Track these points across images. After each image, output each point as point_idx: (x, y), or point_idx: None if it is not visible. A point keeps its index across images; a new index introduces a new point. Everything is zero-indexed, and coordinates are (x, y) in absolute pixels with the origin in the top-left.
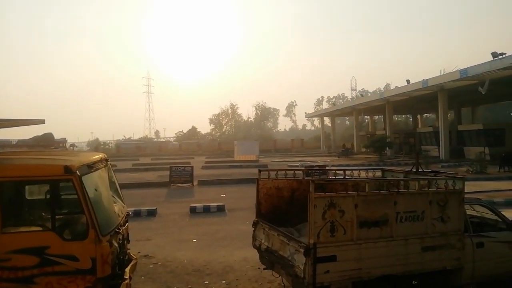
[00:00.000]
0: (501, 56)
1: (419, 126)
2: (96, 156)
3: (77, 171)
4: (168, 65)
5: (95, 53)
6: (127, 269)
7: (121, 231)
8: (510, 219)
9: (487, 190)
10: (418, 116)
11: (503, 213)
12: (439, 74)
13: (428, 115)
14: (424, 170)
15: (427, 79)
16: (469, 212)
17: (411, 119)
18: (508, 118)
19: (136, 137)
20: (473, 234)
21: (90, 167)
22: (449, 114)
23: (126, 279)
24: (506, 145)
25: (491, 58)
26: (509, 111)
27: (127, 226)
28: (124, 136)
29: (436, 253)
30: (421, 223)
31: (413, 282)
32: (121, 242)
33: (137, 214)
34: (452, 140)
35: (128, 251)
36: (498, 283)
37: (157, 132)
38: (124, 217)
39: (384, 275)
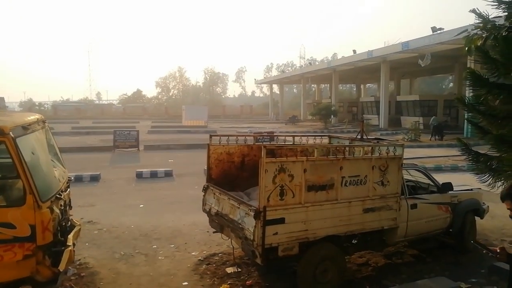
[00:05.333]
0: (439, 31)
1: (362, 95)
2: (32, 117)
3: (10, 132)
4: (112, 23)
5: (30, 8)
6: (70, 236)
7: (62, 196)
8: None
9: (420, 156)
10: (362, 86)
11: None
12: (383, 46)
13: (371, 85)
14: (368, 138)
15: (371, 50)
16: (406, 176)
17: (355, 89)
18: (441, 90)
19: (75, 98)
20: (408, 196)
21: (25, 128)
22: (389, 85)
23: (69, 245)
24: (438, 115)
25: (431, 33)
26: (441, 83)
27: (69, 191)
28: (61, 97)
29: (375, 214)
30: (363, 186)
31: (353, 241)
32: (62, 208)
33: (78, 179)
34: (391, 110)
35: (70, 217)
36: (425, 240)
37: (98, 94)
38: (65, 182)
39: (328, 236)
